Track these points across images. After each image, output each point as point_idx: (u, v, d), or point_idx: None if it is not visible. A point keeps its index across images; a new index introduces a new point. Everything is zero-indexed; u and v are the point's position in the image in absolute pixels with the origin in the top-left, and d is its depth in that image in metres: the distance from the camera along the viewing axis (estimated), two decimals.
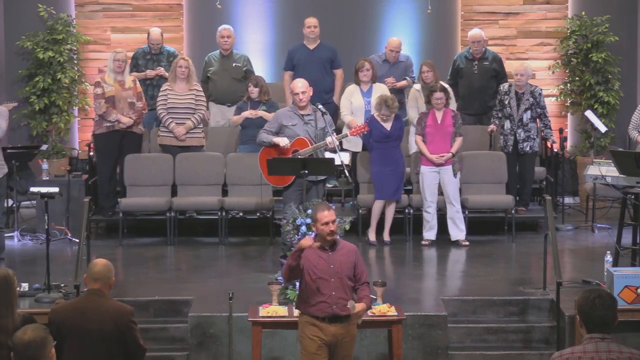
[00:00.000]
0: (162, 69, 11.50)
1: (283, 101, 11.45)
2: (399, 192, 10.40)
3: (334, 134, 9.31)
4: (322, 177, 9.34)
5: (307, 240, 6.41)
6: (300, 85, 9.27)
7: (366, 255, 10.02)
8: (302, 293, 6.48)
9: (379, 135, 10.21)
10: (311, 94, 9.33)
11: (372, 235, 10.41)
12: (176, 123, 10.78)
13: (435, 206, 10.40)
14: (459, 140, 10.40)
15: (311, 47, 11.39)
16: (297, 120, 9.28)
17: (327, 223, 6.40)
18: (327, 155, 9.43)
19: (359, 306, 6.39)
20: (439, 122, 10.39)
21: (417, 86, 11.05)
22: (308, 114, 9.28)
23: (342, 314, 6.35)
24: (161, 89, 10.98)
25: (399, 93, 11.40)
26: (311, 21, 11.38)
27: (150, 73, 11.47)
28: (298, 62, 11.35)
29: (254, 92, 10.81)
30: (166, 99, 10.82)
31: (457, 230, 10.39)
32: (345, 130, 10.44)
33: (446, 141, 10.37)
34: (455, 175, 10.38)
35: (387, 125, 10.29)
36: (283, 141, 9.24)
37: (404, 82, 11.41)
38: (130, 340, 5.50)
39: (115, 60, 10.80)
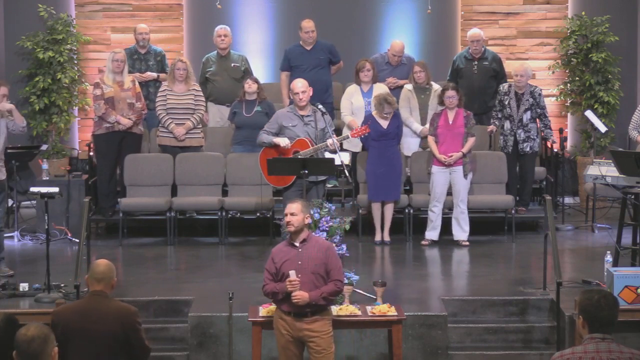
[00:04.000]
0: (149, 73, 11.50)
1: (281, 101, 11.45)
2: (396, 192, 10.41)
3: (335, 134, 9.30)
4: (323, 178, 9.34)
5: (293, 284, 6.44)
6: (300, 85, 9.26)
7: (367, 255, 10.03)
8: None
9: (376, 133, 10.22)
10: (311, 93, 9.33)
11: (377, 236, 10.44)
12: (176, 124, 10.79)
13: (442, 206, 10.40)
14: (470, 141, 10.38)
15: (308, 47, 11.38)
16: (297, 121, 9.27)
17: (286, 214, 6.63)
18: (327, 155, 9.42)
19: (302, 293, 6.42)
20: (451, 122, 10.39)
21: (409, 86, 11.05)
22: (308, 115, 9.28)
23: (307, 310, 6.49)
24: (160, 90, 10.98)
25: (400, 94, 11.36)
26: (308, 26, 11.30)
27: (138, 77, 11.40)
28: (295, 62, 11.33)
29: (252, 87, 10.81)
30: (165, 100, 10.82)
31: (461, 231, 10.39)
32: (346, 131, 10.45)
33: (457, 141, 10.35)
34: (465, 175, 10.37)
35: (384, 123, 10.31)
36: (284, 141, 9.24)
37: (407, 81, 11.37)
38: (135, 341, 5.49)
39: (114, 61, 10.80)
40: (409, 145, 10.94)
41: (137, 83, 11.01)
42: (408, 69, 11.47)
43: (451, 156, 10.31)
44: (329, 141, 9.15)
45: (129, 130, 10.83)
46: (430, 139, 10.46)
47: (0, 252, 9.18)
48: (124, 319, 5.47)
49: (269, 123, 9.52)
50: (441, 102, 10.47)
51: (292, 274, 6.44)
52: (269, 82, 12.58)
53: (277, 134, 9.32)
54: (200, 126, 11.04)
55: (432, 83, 10.99)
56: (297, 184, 9.17)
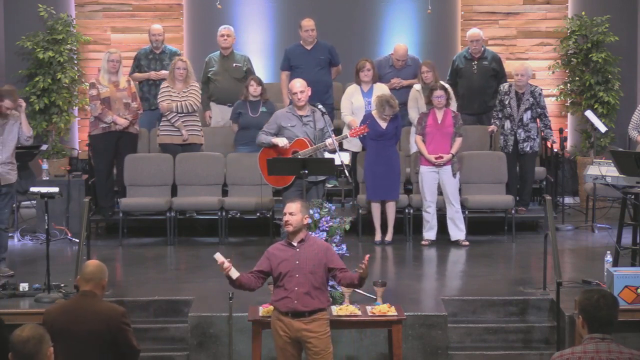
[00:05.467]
0: (164, 72, 11.52)
1: (281, 101, 11.45)
2: (395, 192, 10.41)
3: (334, 134, 9.29)
4: (322, 178, 9.34)
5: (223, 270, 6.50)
6: (299, 85, 9.25)
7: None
8: (274, 288, 6.68)
9: (374, 133, 10.23)
10: (309, 93, 9.32)
11: (377, 236, 10.45)
12: (182, 122, 10.79)
13: (435, 206, 10.41)
14: (458, 141, 10.40)
15: (308, 47, 11.39)
16: (295, 121, 9.26)
17: (285, 214, 6.62)
18: (327, 155, 9.42)
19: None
20: (439, 122, 10.39)
21: (417, 86, 11.05)
22: (306, 115, 9.27)
23: (304, 310, 6.47)
24: (162, 87, 10.99)
25: (405, 94, 11.31)
26: (309, 24, 11.32)
27: (153, 75, 11.48)
28: (295, 62, 11.34)
29: (257, 90, 10.83)
30: (170, 98, 10.81)
31: (457, 230, 10.40)
32: (345, 131, 10.45)
33: (446, 141, 10.37)
34: (454, 175, 10.38)
35: (383, 124, 10.31)
36: (282, 141, 9.23)
37: (412, 80, 11.35)
38: (122, 341, 5.48)
39: (110, 61, 10.79)
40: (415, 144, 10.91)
41: (132, 83, 11.02)
42: (413, 70, 11.46)
43: (441, 157, 10.31)
44: (328, 141, 9.15)
45: (125, 130, 10.84)
46: (418, 139, 10.46)
47: (3, 252, 9.19)
48: (109, 320, 5.46)
49: (267, 124, 9.51)
50: (429, 101, 10.46)
51: (218, 256, 6.44)
52: (269, 82, 12.58)
53: (275, 135, 9.32)
54: (199, 122, 11.04)
55: (437, 83, 10.97)
56: (296, 184, 9.17)
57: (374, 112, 10.39)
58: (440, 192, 10.46)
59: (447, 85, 10.72)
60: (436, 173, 10.39)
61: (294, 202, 6.68)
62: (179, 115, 10.78)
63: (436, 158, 10.32)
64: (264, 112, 10.77)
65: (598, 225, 11.05)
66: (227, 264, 6.46)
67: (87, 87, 12.63)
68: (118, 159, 10.90)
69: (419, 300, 8.36)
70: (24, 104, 9.18)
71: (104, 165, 10.93)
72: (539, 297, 8.21)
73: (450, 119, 10.40)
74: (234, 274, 6.50)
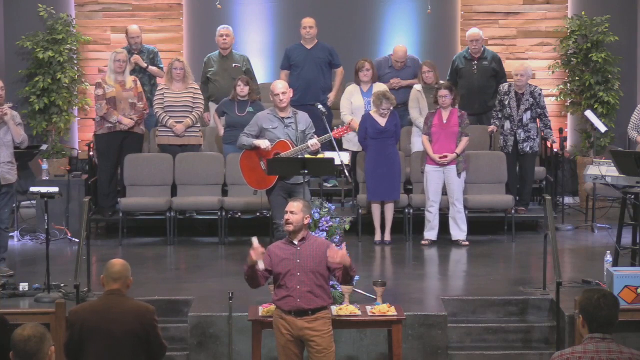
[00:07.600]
0: (138, 57, 11.49)
1: None
2: (396, 192, 10.41)
3: (316, 136, 9.22)
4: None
5: (255, 256, 6.52)
6: (281, 86, 9.20)
7: (367, 255, 10.03)
8: (275, 287, 6.69)
9: (374, 131, 10.24)
10: (291, 95, 9.27)
11: (377, 236, 10.45)
12: (175, 122, 10.79)
13: (438, 206, 10.40)
14: (464, 141, 10.39)
15: (308, 46, 11.39)
16: (277, 123, 9.19)
17: (285, 212, 6.65)
18: (325, 155, 9.39)
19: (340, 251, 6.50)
20: (445, 121, 10.39)
21: (418, 87, 11.06)
22: (288, 117, 9.19)
23: (307, 308, 6.49)
24: (158, 89, 10.99)
25: (404, 95, 11.31)
26: (308, 22, 11.36)
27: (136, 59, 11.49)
28: (295, 61, 11.34)
29: (244, 90, 10.82)
30: (163, 99, 10.83)
31: (459, 231, 10.39)
32: None
33: (451, 141, 10.35)
34: (459, 175, 10.37)
35: (382, 121, 10.31)
36: (264, 143, 9.15)
37: (412, 81, 11.35)
38: (153, 339, 5.51)
39: (116, 61, 10.80)
40: (418, 145, 10.90)
41: (138, 83, 11.02)
42: (413, 70, 11.46)
43: (445, 157, 10.31)
44: (311, 142, 9.07)
45: (130, 130, 10.84)
46: (425, 138, 10.46)
47: (3, 252, 9.19)
48: (143, 318, 5.48)
49: (249, 125, 9.41)
50: (436, 101, 10.47)
51: (255, 240, 6.48)
52: (269, 82, 12.57)
53: (257, 137, 9.27)
54: (199, 125, 11.05)
55: (442, 82, 10.98)
56: (279, 186, 9.13)
57: (372, 111, 10.40)
58: (444, 192, 10.46)
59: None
60: (441, 173, 10.39)
61: (297, 201, 6.70)
62: (170, 116, 10.76)
63: (440, 157, 10.32)
64: (251, 112, 10.75)
65: (598, 225, 11.05)
66: (260, 251, 6.48)
67: (87, 87, 12.69)
68: (123, 159, 10.89)
69: (419, 300, 8.36)
70: (9, 113, 9.09)
71: (108, 165, 10.94)
72: (539, 297, 8.22)
73: (456, 119, 10.40)
74: (261, 266, 6.55)
